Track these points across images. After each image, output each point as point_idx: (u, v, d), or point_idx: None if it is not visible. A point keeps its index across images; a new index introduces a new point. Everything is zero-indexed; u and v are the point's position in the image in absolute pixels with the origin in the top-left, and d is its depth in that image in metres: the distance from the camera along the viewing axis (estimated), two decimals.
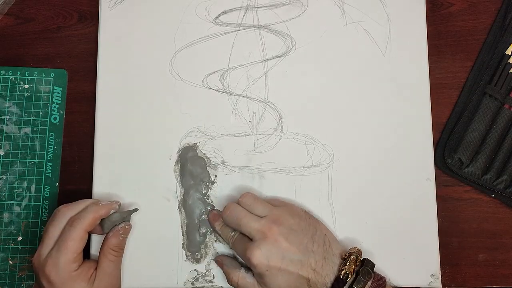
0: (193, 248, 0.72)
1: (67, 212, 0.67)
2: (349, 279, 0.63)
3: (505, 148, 0.74)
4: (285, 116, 0.75)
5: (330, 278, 0.64)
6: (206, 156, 0.74)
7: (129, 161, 0.73)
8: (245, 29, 0.76)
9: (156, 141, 0.74)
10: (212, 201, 0.73)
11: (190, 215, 0.73)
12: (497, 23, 0.77)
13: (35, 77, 0.76)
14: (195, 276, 0.72)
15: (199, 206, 0.73)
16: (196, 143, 0.74)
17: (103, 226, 0.69)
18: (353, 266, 0.64)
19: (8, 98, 0.76)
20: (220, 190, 0.74)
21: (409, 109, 0.75)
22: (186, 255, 0.72)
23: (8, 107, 0.76)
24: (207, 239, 0.72)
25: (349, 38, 0.76)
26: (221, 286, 0.72)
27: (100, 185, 0.73)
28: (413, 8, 0.76)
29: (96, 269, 0.67)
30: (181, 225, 0.73)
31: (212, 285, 0.72)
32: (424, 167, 0.74)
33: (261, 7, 0.76)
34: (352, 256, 0.65)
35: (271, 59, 0.76)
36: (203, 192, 0.73)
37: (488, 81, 0.75)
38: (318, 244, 0.66)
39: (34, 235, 0.74)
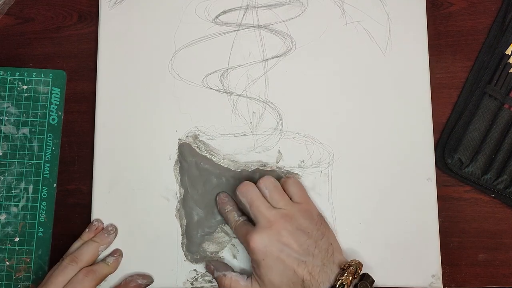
0: (192, 248, 0.72)
1: (76, 260, 0.69)
2: None
3: (505, 148, 0.74)
4: (285, 116, 0.74)
5: (325, 286, 0.63)
6: (206, 156, 0.74)
7: (129, 161, 0.73)
8: (245, 29, 0.76)
9: (155, 140, 0.74)
10: None
11: (190, 215, 0.72)
12: (497, 23, 0.77)
13: (33, 78, 0.76)
14: (195, 276, 0.72)
15: (198, 206, 0.73)
16: (196, 143, 0.74)
17: None
18: (350, 278, 0.63)
19: (6, 99, 0.76)
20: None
21: (409, 109, 0.75)
22: (185, 255, 0.72)
23: (7, 107, 0.75)
24: (206, 239, 0.72)
25: (349, 38, 0.76)
26: None
27: (100, 185, 0.73)
28: (413, 8, 0.77)
29: None
30: (181, 225, 0.72)
31: (211, 285, 0.72)
32: (424, 167, 0.74)
33: (260, 7, 0.77)
34: (351, 268, 0.64)
35: (271, 59, 0.76)
36: (203, 191, 0.73)
37: (488, 81, 0.75)
38: (319, 250, 0.65)
39: (31, 236, 0.74)
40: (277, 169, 0.74)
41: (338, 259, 0.66)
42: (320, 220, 0.68)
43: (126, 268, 0.71)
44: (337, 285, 0.62)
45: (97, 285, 0.68)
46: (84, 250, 0.69)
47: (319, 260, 0.64)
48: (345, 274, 0.63)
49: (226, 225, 0.73)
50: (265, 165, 0.74)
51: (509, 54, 0.75)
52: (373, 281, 0.65)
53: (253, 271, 0.66)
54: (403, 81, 0.75)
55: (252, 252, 0.64)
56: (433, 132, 0.74)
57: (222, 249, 0.72)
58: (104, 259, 0.70)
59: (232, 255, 0.72)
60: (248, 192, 0.68)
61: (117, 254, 0.71)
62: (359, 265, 0.65)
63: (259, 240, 0.64)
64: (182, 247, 0.72)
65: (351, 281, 0.63)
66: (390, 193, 0.73)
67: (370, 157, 0.74)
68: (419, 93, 0.75)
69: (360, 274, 0.65)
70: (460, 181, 0.75)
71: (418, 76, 0.75)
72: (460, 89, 0.77)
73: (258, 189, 0.68)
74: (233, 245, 0.72)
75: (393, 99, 0.75)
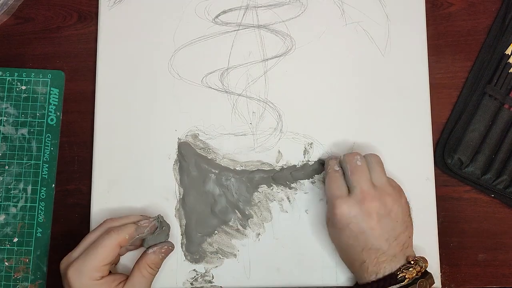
0: (192, 248, 0.72)
1: (110, 223, 0.66)
2: (404, 282, 0.62)
3: (505, 148, 0.74)
4: (285, 116, 0.74)
5: (384, 271, 0.63)
6: (206, 155, 0.73)
7: (129, 161, 0.73)
8: (245, 28, 0.76)
9: (155, 140, 0.74)
10: None
11: (189, 215, 0.72)
12: (496, 23, 0.78)
13: (32, 78, 0.76)
14: (194, 276, 0.71)
15: (198, 205, 0.72)
16: (195, 142, 0.74)
17: (145, 240, 0.67)
18: (414, 274, 0.63)
19: (5, 99, 0.76)
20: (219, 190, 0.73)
21: (409, 109, 0.75)
22: (185, 255, 0.72)
23: (5, 108, 0.75)
24: (206, 239, 0.72)
25: (349, 38, 0.76)
26: (220, 286, 0.71)
27: (100, 184, 0.73)
28: (413, 8, 0.77)
29: (125, 281, 0.64)
30: (180, 225, 0.72)
31: (211, 285, 0.71)
32: (423, 167, 0.74)
33: (260, 6, 0.77)
34: (417, 265, 0.64)
35: (270, 58, 0.76)
36: (202, 191, 0.73)
37: (488, 81, 0.76)
38: (397, 243, 0.64)
39: (30, 236, 0.74)
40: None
41: (409, 252, 0.66)
42: (408, 212, 0.67)
43: (126, 268, 0.71)
44: (399, 276, 0.62)
45: (123, 244, 0.64)
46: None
47: (392, 251, 0.64)
48: (410, 268, 0.63)
49: (226, 225, 0.72)
50: (265, 165, 0.74)
51: (509, 54, 0.75)
52: (434, 282, 0.65)
53: (328, 216, 0.67)
54: (403, 82, 0.75)
55: (334, 216, 0.64)
56: (433, 132, 0.75)
57: (222, 249, 0.72)
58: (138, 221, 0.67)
59: (232, 255, 0.72)
60: (354, 160, 0.66)
61: (152, 218, 0.68)
62: (425, 262, 0.65)
63: (346, 210, 0.64)
64: (182, 247, 0.72)
65: (413, 277, 0.63)
66: None
67: None
68: (418, 93, 0.75)
69: (424, 272, 0.64)
70: (460, 181, 0.75)
71: (417, 77, 0.75)
72: (460, 89, 0.77)
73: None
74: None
75: (393, 100, 0.75)
